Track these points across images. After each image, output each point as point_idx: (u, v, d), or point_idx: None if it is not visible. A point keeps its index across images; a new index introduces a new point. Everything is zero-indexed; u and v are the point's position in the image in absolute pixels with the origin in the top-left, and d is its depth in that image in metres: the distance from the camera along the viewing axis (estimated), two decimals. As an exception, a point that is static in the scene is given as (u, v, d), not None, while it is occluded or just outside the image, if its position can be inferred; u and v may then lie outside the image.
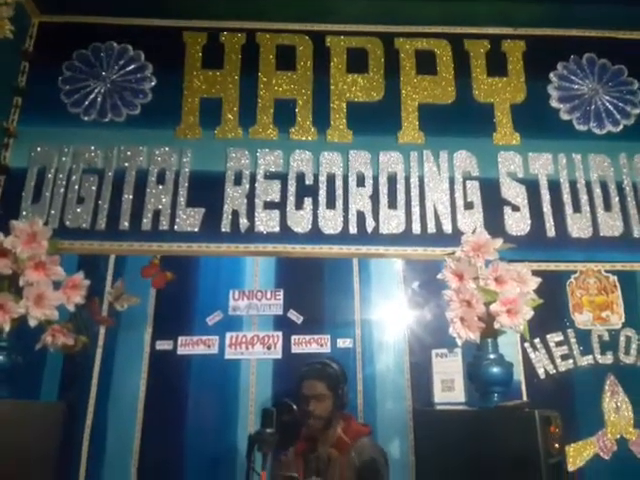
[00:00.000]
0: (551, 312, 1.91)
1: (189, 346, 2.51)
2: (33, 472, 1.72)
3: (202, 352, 2.52)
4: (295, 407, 2.14)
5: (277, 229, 2.23)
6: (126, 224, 2.21)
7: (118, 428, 2.44)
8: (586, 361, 2.27)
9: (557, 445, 1.62)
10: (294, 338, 2.48)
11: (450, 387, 1.89)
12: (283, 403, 2.18)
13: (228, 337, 2.51)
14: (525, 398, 2.11)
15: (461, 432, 1.70)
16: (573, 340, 2.30)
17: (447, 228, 2.31)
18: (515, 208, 2.39)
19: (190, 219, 2.19)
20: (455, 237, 2.21)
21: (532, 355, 2.26)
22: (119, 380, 2.51)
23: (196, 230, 2.20)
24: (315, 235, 2.23)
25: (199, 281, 2.71)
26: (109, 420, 2.45)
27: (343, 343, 2.49)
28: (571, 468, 2.02)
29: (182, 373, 2.50)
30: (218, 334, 2.50)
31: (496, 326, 1.76)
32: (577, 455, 2.07)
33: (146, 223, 2.22)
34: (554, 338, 2.31)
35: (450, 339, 2.09)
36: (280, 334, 2.50)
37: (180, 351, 2.50)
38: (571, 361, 2.27)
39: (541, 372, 2.27)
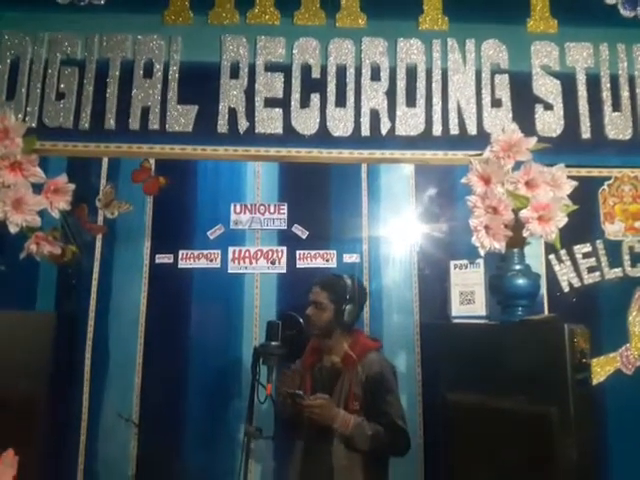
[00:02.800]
0: (580, 222, 1.75)
1: (190, 260, 2.47)
2: (26, 382, 1.66)
3: (204, 266, 2.47)
4: (301, 320, 2.06)
5: (280, 130, 2.00)
6: (112, 123, 1.99)
7: (120, 341, 2.43)
8: (614, 274, 2.15)
9: (584, 360, 1.53)
10: (299, 253, 2.45)
11: (470, 300, 1.77)
12: (289, 316, 2.13)
13: (231, 251, 2.47)
14: (547, 312, 2.00)
15: (477, 346, 1.61)
16: (602, 252, 2.17)
17: (471, 129, 2.08)
18: (548, 106, 2.14)
19: (182, 118, 1.97)
20: (480, 139, 2.00)
21: (557, 267, 2.15)
22: (119, 293, 2.47)
23: (190, 130, 1.97)
24: (323, 137, 1.99)
25: (198, 192, 2.54)
26: (110, 333, 2.44)
27: (349, 258, 2.44)
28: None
29: (184, 286, 2.46)
30: (220, 248, 2.47)
31: (525, 234, 1.62)
32: (599, 370, 2.00)
33: (134, 122, 1.99)
34: (581, 249, 2.18)
35: (466, 251, 1.95)
36: (284, 249, 2.46)
37: (181, 265, 2.46)
38: (598, 273, 2.16)
39: (565, 285, 2.17)
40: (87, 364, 2.40)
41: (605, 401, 2.00)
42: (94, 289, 2.51)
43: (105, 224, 2.50)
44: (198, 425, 2.36)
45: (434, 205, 2.35)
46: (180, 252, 2.47)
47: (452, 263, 1.82)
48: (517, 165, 1.69)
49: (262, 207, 2.50)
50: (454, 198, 2.26)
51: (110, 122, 1.99)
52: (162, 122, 1.99)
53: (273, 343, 1.93)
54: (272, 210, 2.50)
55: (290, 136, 1.97)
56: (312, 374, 2.02)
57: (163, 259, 2.49)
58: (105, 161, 2.42)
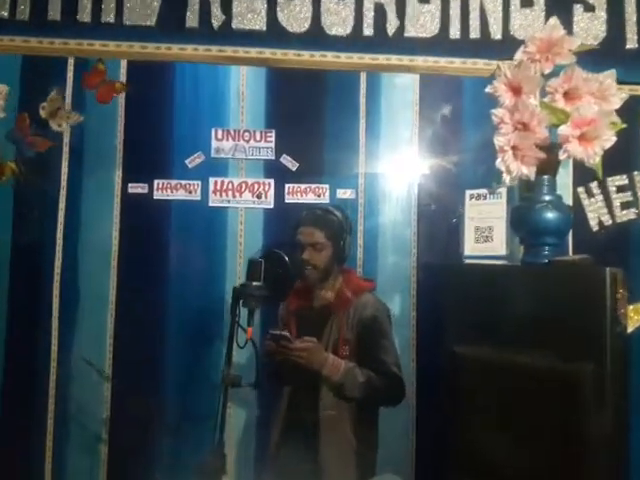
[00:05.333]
0: (616, 150, 1.41)
1: (167, 190, 2.24)
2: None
3: (182, 198, 2.24)
4: (287, 258, 1.77)
5: (263, 26, 1.60)
6: (56, 13, 1.58)
7: (91, 275, 2.25)
8: (652, 211, 1.84)
9: (623, 311, 1.25)
10: (288, 187, 2.23)
11: (487, 237, 1.45)
12: (272, 253, 1.88)
13: (212, 182, 2.24)
14: (571, 252, 1.70)
15: (495, 292, 1.35)
16: (640, 185, 1.83)
17: (496, 32, 1.70)
18: (589, 7, 1.75)
19: (143, 9, 1.57)
20: (506, 45, 1.65)
21: (585, 202, 1.86)
22: (88, 224, 2.25)
23: (152, 24, 1.57)
24: (316, 37, 1.60)
25: (174, 113, 2.23)
26: (80, 267, 2.25)
27: (344, 194, 2.22)
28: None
29: (161, 220, 2.25)
30: (200, 179, 2.23)
31: (562, 157, 1.30)
32: (627, 320, 1.70)
33: (83, 12, 1.58)
34: (616, 182, 1.90)
35: (476, 184, 1.64)
36: (272, 182, 2.23)
37: (157, 196, 2.23)
38: (633, 210, 1.89)
39: (594, 223, 1.90)
40: (55, 301, 2.19)
41: (632, 355, 1.75)
42: (61, 219, 2.21)
43: (71, 143, 2.13)
44: (177, 368, 2.21)
45: (441, 129, 2.00)
46: (155, 182, 2.22)
47: (467, 193, 1.49)
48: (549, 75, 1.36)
49: (247, 133, 2.22)
50: (465, 119, 1.91)
51: (54, 12, 1.58)
52: (118, 13, 1.59)
53: (254, 283, 1.68)
54: (258, 137, 2.22)
55: (275, 34, 1.62)
56: (297, 317, 1.85)
57: (136, 189, 2.23)
58: (71, 62, 1.96)
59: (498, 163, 1.31)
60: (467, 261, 1.44)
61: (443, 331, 1.46)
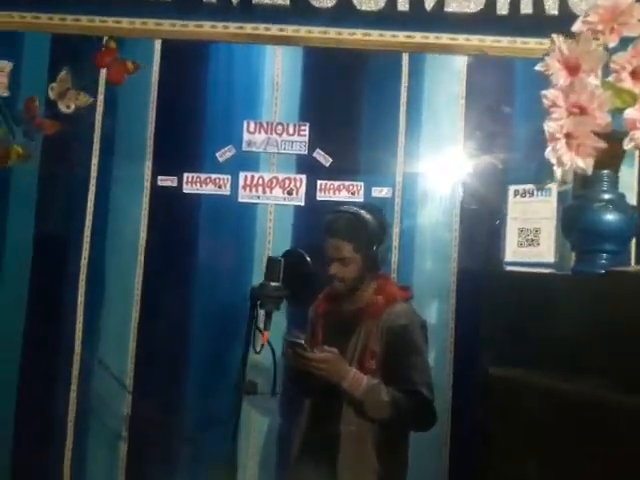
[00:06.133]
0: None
1: (196, 184, 2.21)
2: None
3: (212, 192, 2.21)
4: (309, 258, 1.65)
5: (286, 0, 1.47)
6: (65, -12, 1.53)
7: (118, 267, 2.24)
8: None
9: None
10: (320, 183, 2.16)
11: (533, 240, 1.26)
12: (294, 252, 1.77)
13: (242, 177, 2.20)
14: (633, 262, 1.49)
15: (540, 306, 1.16)
16: None
17: (551, 7, 1.51)
18: (663, -23, 1.50)
19: (157, -17, 1.47)
20: (563, 22, 1.42)
21: None
22: (117, 215, 2.25)
23: None
24: (344, 12, 1.46)
25: (207, 104, 2.18)
26: (107, 259, 2.22)
27: (379, 192, 2.13)
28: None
29: (189, 213, 2.23)
30: (230, 173, 2.21)
31: (627, 146, 1.09)
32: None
33: (94, -13, 1.52)
34: None
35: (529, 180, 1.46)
36: (304, 177, 2.18)
37: (186, 189, 2.21)
38: None
39: None
40: (81, 292, 2.18)
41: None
42: (90, 210, 2.20)
43: (103, 132, 2.11)
44: (200, 366, 2.18)
45: (490, 121, 1.82)
46: (185, 175, 2.20)
47: (511, 189, 1.30)
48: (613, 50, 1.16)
49: (280, 127, 2.18)
50: (517, 109, 1.72)
51: (62, -12, 1.53)
52: (130, -11, 1.51)
53: (272, 284, 1.61)
54: (291, 131, 2.16)
55: (299, 9, 1.50)
56: (326, 321, 1.74)
57: (166, 182, 2.21)
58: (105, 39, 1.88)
59: (548, 153, 1.12)
60: (508, 268, 1.26)
61: (480, 347, 1.30)
